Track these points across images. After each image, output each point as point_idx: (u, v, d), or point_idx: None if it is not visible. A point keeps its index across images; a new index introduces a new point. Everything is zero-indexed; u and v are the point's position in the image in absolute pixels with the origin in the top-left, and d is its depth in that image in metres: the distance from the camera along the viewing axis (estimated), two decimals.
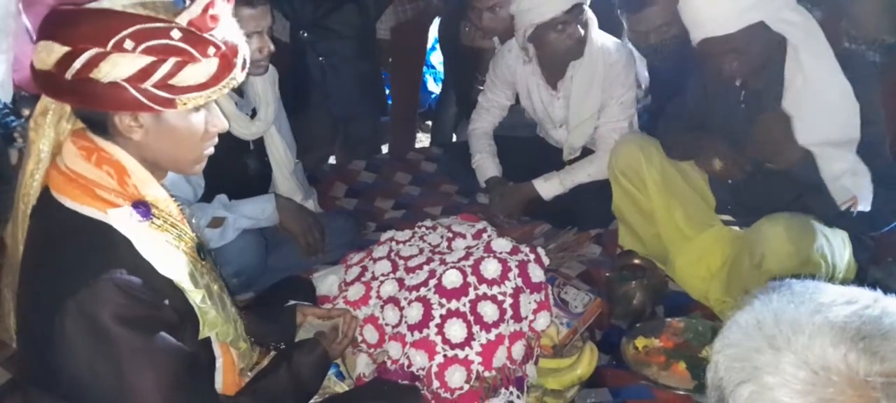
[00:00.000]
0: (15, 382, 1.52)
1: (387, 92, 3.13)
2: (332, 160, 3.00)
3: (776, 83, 1.70)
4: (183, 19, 1.01)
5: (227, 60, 1.05)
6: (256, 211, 1.90)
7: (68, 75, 0.98)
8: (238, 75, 1.08)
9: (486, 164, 2.39)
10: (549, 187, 2.28)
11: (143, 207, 1.07)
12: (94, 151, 1.06)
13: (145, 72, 0.99)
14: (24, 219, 1.08)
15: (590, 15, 2.19)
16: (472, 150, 2.45)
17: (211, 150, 1.16)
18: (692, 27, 1.70)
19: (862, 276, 1.85)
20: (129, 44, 0.97)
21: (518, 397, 1.49)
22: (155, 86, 1.00)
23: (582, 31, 2.15)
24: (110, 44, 0.98)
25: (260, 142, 2.01)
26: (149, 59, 0.99)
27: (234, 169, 1.94)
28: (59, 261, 1.03)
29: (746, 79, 1.74)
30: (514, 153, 2.43)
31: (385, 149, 3.16)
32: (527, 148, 2.46)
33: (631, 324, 1.80)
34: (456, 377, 1.45)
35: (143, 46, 0.98)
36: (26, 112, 1.85)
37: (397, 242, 1.74)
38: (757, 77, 1.73)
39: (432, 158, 2.78)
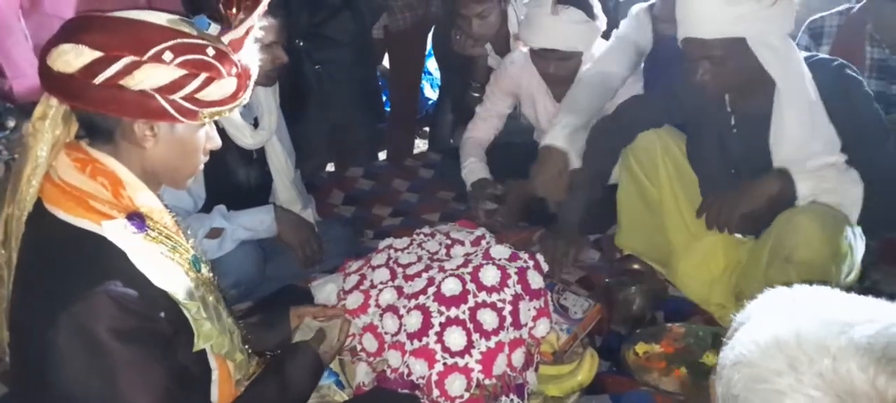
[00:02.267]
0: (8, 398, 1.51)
1: (384, 98, 3.13)
2: (329, 167, 2.99)
3: (765, 117, 1.70)
4: (225, 39, 1.07)
5: (242, 80, 1.09)
6: (255, 223, 1.90)
7: (97, 80, 1.00)
8: (247, 96, 1.12)
9: (475, 168, 2.39)
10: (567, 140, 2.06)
11: (137, 219, 1.07)
12: (89, 163, 1.06)
13: (177, 84, 1.02)
14: (18, 226, 1.07)
15: (589, 54, 2.18)
16: (462, 157, 2.45)
17: (201, 166, 1.18)
18: (679, 23, 1.69)
19: (861, 278, 1.85)
20: (167, 56, 1.01)
21: None
22: (184, 98, 1.03)
23: (569, 65, 2.16)
24: (148, 54, 1.00)
25: (261, 152, 2.01)
26: (183, 72, 1.02)
27: (235, 178, 1.94)
28: (52, 274, 1.03)
29: (734, 100, 1.72)
30: (512, 159, 2.42)
31: (382, 155, 3.16)
32: (525, 154, 2.45)
33: (631, 330, 1.79)
34: (456, 385, 1.44)
35: (180, 60, 1.02)
36: (11, 124, 1.84)
37: (396, 250, 1.74)
38: (744, 101, 1.72)
39: (430, 164, 2.78)
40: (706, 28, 1.61)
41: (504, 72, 2.39)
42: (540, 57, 2.18)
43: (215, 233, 1.81)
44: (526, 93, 2.37)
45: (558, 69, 2.18)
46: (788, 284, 1.75)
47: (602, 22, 2.16)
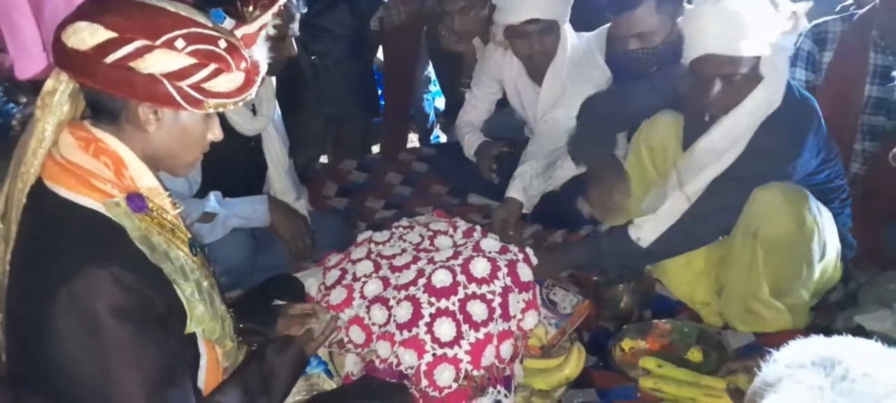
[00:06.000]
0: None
1: (379, 92, 3.14)
2: (323, 159, 3.00)
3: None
4: (238, 32, 1.09)
5: (250, 76, 1.11)
6: (248, 211, 1.91)
7: (108, 60, 1.01)
8: (254, 92, 1.14)
9: (474, 140, 2.46)
10: (522, 192, 2.23)
11: (138, 199, 1.08)
12: (93, 142, 1.08)
13: (186, 72, 1.04)
14: (19, 199, 1.08)
15: (563, 26, 2.23)
16: (460, 135, 2.50)
17: (201, 156, 1.20)
18: (695, 38, 1.65)
19: (846, 278, 1.88)
20: (180, 43, 1.03)
21: (505, 396, 1.49)
22: (191, 86, 1.05)
23: (547, 41, 2.20)
24: (160, 39, 1.02)
25: (257, 140, 2.01)
26: (192, 61, 1.04)
27: (231, 165, 1.93)
28: (52, 250, 1.04)
29: (717, 113, 1.73)
30: (503, 155, 2.44)
31: (376, 149, 3.17)
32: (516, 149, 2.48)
33: (618, 326, 1.81)
34: (445, 375, 1.45)
35: (191, 48, 1.04)
36: (24, 99, 1.84)
37: (376, 243, 1.75)
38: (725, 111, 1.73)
39: (423, 158, 2.79)
40: (733, 45, 1.60)
41: (488, 59, 2.43)
42: (520, 35, 2.21)
43: (207, 218, 1.82)
44: (509, 82, 2.41)
45: (541, 44, 2.21)
46: (759, 265, 1.77)
47: None
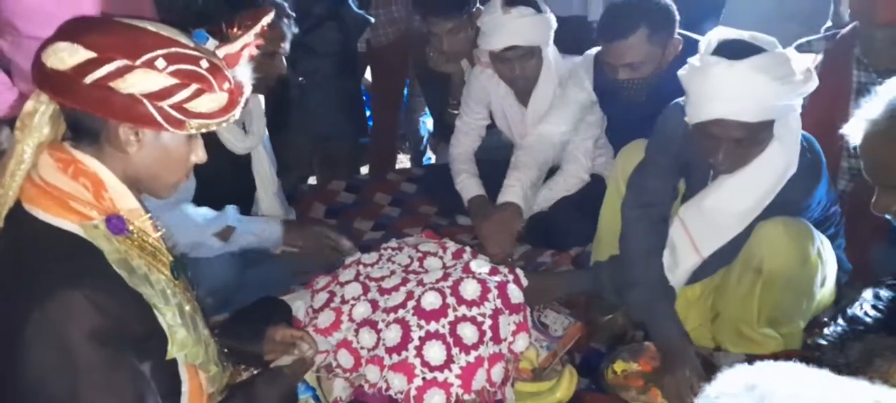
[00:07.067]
0: None
1: (367, 113, 3.13)
2: (311, 180, 2.98)
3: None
4: (220, 52, 1.09)
5: (234, 97, 1.10)
6: (264, 230, 1.89)
7: (87, 80, 1.00)
8: (238, 113, 1.12)
9: (469, 184, 2.40)
10: (521, 198, 2.15)
11: (117, 221, 1.07)
12: (72, 163, 1.06)
13: (167, 92, 1.03)
14: None
15: (548, 51, 2.24)
16: (454, 173, 2.46)
17: (186, 179, 1.18)
18: (702, 102, 1.53)
19: (837, 298, 1.88)
20: (160, 63, 1.02)
21: None
22: (172, 106, 1.04)
23: (529, 66, 2.21)
24: (141, 59, 1.01)
25: (246, 159, 1.99)
26: (173, 81, 1.03)
27: (221, 183, 1.91)
28: (27, 273, 1.02)
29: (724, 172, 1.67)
30: (491, 175, 2.43)
31: (365, 170, 3.15)
32: (504, 170, 2.46)
33: (610, 348, 1.80)
34: (435, 400, 1.43)
35: (172, 68, 1.03)
36: None
37: (364, 265, 1.73)
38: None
39: (412, 179, 2.78)
40: (746, 110, 1.50)
41: (474, 82, 2.43)
42: (502, 60, 2.23)
43: (227, 234, 1.81)
44: (496, 105, 2.41)
45: (522, 69, 2.22)
46: (756, 296, 1.72)
47: (551, 16, 2.23)
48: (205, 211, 1.83)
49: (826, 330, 1.49)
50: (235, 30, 1.12)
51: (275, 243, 1.92)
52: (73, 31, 1.03)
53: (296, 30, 1.91)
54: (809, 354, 1.46)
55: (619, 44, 1.97)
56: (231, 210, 1.87)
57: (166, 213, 1.72)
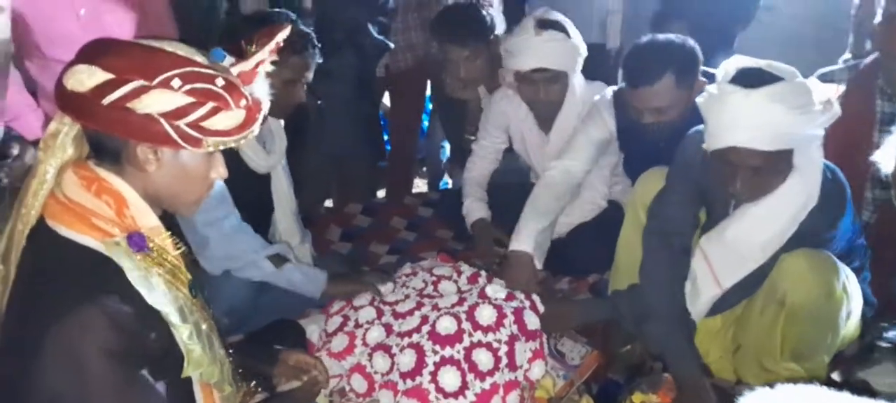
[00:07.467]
0: None
1: (385, 138, 3.14)
2: (328, 203, 2.99)
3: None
4: (235, 70, 1.10)
5: (251, 114, 1.11)
6: (306, 280, 1.86)
7: (105, 101, 1.02)
8: (256, 129, 1.13)
9: (474, 208, 2.39)
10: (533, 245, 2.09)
11: (138, 238, 1.08)
12: (95, 181, 1.08)
13: (184, 111, 1.04)
14: (20, 240, 1.07)
15: (574, 79, 2.23)
16: (463, 195, 2.46)
17: (207, 196, 1.19)
18: (719, 130, 1.53)
19: (862, 332, 1.83)
20: (176, 82, 1.03)
21: None
22: (188, 125, 1.05)
23: (554, 90, 2.20)
24: (157, 79, 1.03)
25: (267, 179, 2.00)
26: (190, 100, 1.04)
27: (241, 204, 1.91)
28: (48, 287, 1.03)
29: (744, 201, 1.66)
30: (507, 200, 2.42)
31: (382, 193, 3.15)
32: (520, 195, 2.46)
33: (628, 379, 1.76)
34: None
35: (188, 87, 1.04)
36: (15, 151, 1.86)
37: None
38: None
39: (429, 203, 2.77)
40: (762, 138, 1.49)
41: (494, 106, 2.43)
42: (528, 82, 2.21)
43: (279, 262, 1.82)
44: (515, 129, 2.40)
45: (547, 93, 2.21)
46: (779, 329, 1.67)
47: (581, 45, 2.22)
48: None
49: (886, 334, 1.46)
50: (253, 46, 1.13)
51: (314, 292, 1.88)
52: (91, 53, 1.05)
53: (320, 60, 1.92)
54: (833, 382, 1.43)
55: (645, 90, 1.93)
56: (285, 245, 1.87)
57: (226, 222, 1.75)
